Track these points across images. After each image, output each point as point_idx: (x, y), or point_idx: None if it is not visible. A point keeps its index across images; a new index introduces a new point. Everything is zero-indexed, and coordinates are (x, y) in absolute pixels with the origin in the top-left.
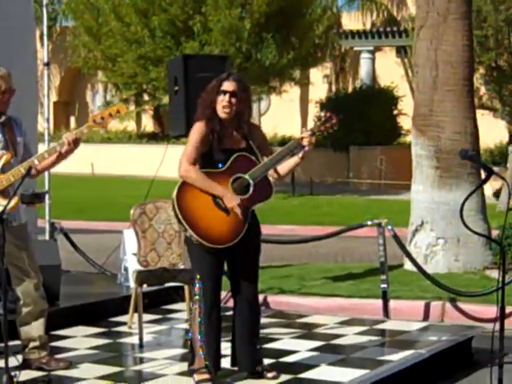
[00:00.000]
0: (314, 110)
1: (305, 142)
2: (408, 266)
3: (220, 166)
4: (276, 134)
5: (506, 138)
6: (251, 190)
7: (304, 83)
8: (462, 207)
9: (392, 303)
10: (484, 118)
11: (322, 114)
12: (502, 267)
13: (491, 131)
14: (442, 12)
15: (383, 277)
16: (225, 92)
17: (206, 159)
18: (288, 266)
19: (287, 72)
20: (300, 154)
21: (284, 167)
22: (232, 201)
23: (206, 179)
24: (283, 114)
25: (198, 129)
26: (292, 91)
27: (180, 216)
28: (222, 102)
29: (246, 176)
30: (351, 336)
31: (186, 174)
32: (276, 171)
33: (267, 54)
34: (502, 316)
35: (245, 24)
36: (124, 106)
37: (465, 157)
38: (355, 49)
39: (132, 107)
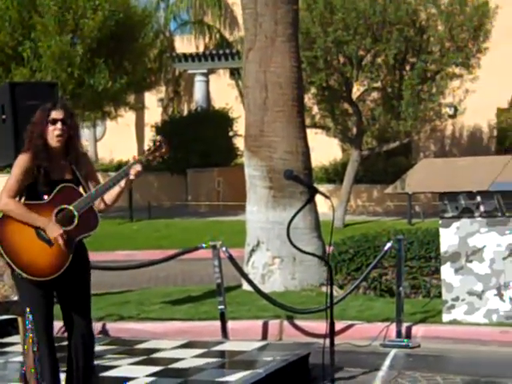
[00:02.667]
0: (149, 134)
1: (132, 171)
2: (246, 286)
3: (45, 197)
4: (113, 159)
5: (339, 156)
6: (75, 221)
7: (139, 107)
8: (289, 227)
9: (230, 324)
10: (317, 137)
11: (151, 143)
12: (330, 285)
13: (325, 149)
14: (269, 35)
15: (220, 298)
16: (55, 120)
17: (31, 191)
18: (127, 291)
19: (121, 97)
20: (122, 183)
21: (110, 196)
22: (54, 231)
23: (27, 211)
24: (119, 139)
25: (21, 162)
26: (127, 116)
27: (1, 250)
28: (55, 130)
29: (71, 207)
30: (190, 359)
31: (5, 208)
32: (103, 200)
33: (100, 79)
34: (332, 332)
35: (76, 49)
36: None
37: (289, 177)
38: (189, 72)
39: None
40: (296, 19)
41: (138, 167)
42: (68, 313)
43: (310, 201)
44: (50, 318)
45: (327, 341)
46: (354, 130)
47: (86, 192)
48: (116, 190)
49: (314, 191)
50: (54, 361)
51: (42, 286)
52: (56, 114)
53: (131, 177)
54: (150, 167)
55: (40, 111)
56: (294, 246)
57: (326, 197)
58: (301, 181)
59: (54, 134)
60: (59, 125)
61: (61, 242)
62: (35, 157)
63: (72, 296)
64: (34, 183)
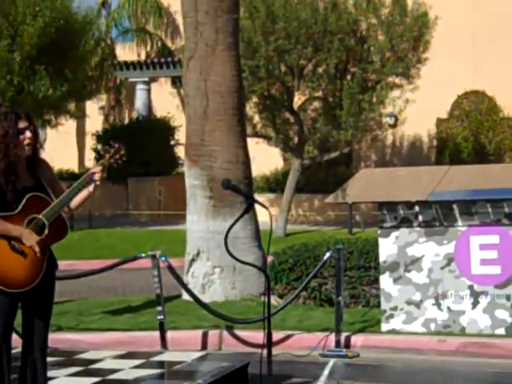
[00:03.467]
0: (90, 143)
1: (96, 177)
2: (186, 296)
3: (13, 206)
4: (53, 167)
5: (280, 165)
6: (46, 230)
7: (79, 116)
8: (226, 237)
9: (170, 334)
10: (259, 146)
11: (108, 146)
12: (267, 295)
13: (266, 159)
14: (210, 43)
15: (159, 308)
16: (24, 129)
17: None
18: (67, 301)
19: (62, 105)
20: (91, 188)
21: (75, 201)
22: (30, 240)
23: (0, 222)
24: (60, 148)
25: None
26: (68, 124)
27: None
28: (25, 140)
29: (41, 216)
30: (128, 370)
31: None
32: (67, 205)
33: (40, 86)
34: (269, 342)
35: (15, 56)
36: None
37: (226, 187)
38: (130, 80)
39: None
40: (237, 28)
41: (103, 173)
42: (29, 322)
43: (248, 210)
44: (11, 328)
45: (265, 351)
46: (296, 140)
47: (51, 198)
48: (84, 194)
49: (251, 201)
50: (8, 370)
51: (10, 295)
52: (23, 123)
53: (97, 182)
54: None
55: (3, 122)
56: (232, 256)
57: (264, 207)
58: (238, 190)
59: (24, 143)
60: (28, 133)
61: (37, 249)
62: (5, 171)
63: (37, 306)
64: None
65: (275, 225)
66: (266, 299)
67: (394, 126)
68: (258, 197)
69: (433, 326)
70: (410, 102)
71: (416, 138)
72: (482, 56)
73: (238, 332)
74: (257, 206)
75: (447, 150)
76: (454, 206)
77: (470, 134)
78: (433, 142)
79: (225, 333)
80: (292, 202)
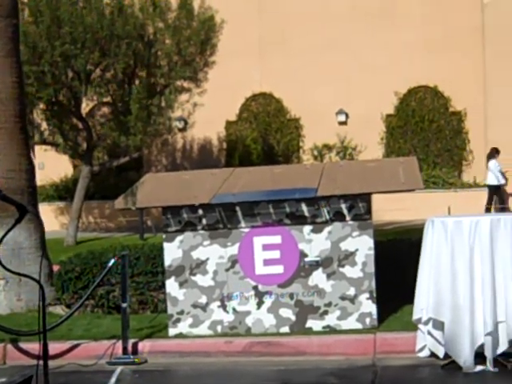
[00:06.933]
0: None
1: None
2: None
3: None
4: None
5: (70, 172)
6: None
7: None
8: None
9: None
10: (47, 154)
11: None
12: (42, 306)
13: (56, 166)
14: None
15: None
16: None
17: None
18: None
19: None
20: None
21: None
22: None
23: None
24: None
25: None
26: None
27: None
28: None
29: None
30: None
31: None
32: None
33: None
34: (45, 353)
35: None
36: None
37: None
38: None
39: None
40: (17, 33)
41: None
42: None
43: (20, 220)
44: None
45: (38, 362)
46: (85, 146)
47: None
48: None
49: (23, 211)
50: None
51: None
52: None
53: None
54: None
55: None
56: (4, 267)
57: (36, 216)
58: (9, 200)
59: None
60: None
61: None
62: None
63: None
64: None
65: (66, 233)
66: (54, 310)
67: (183, 129)
68: (47, 205)
69: (219, 328)
70: (199, 106)
71: (206, 141)
72: (269, 59)
73: (23, 345)
74: (43, 215)
75: (237, 152)
76: (237, 208)
77: (259, 135)
78: (223, 144)
79: (9, 346)
80: (82, 210)
